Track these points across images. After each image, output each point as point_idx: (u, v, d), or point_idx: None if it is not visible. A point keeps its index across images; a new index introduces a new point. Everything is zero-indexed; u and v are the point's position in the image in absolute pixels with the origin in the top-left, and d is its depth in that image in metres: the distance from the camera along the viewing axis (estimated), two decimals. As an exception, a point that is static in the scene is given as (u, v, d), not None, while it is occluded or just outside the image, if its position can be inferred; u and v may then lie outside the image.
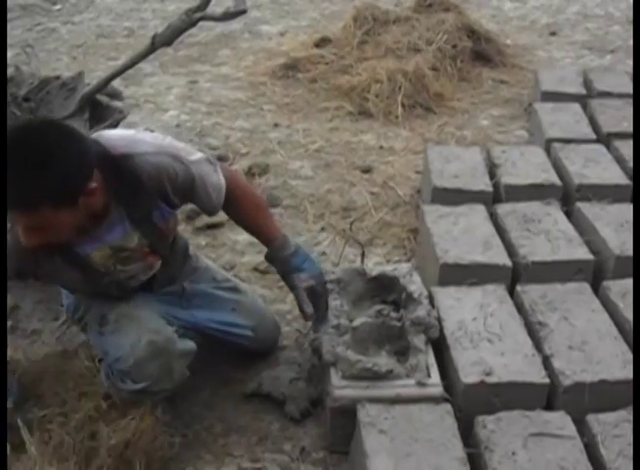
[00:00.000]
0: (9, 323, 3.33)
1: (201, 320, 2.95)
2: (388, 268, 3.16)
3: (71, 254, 2.54)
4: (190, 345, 2.74)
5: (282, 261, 2.86)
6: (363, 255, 3.25)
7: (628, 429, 2.49)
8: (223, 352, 3.04)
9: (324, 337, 2.82)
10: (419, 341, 2.80)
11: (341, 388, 2.66)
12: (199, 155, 2.68)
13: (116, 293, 2.76)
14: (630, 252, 3.32)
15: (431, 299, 3.04)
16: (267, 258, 2.92)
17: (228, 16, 3.39)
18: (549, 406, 2.69)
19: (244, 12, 3.38)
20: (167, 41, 3.48)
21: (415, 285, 3.01)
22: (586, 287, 3.17)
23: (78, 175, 2.30)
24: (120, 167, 2.46)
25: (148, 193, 2.55)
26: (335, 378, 2.69)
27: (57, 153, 2.23)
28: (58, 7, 7.89)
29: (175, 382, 2.70)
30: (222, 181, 2.73)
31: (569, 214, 3.67)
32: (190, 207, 4.12)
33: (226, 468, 2.70)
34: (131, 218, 2.58)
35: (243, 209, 2.88)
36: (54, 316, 3.42)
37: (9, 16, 7.31)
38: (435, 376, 2.70)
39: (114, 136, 2.57)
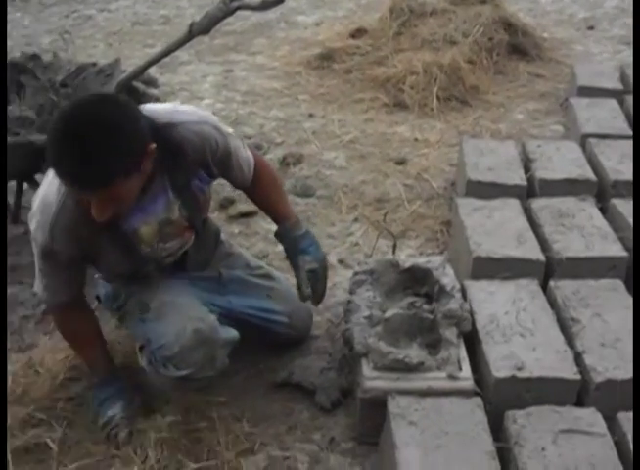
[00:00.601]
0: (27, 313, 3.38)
1: (237, 307, 2.97)
2: (421, 261, 3.16)
3: (118, 231, 2.58)
4: (233, 333, 2.75)
5: (291, 240, 2.95)
6: (395, 246, 3.25)
7: (660, 427, 2.48)
8: (255, 340, 3.05)
9: (356, 328, 2.82)
10: (451, 334, 2.79)
11: (372, 379, 2.66)
12: (230, 129, 2.78)
13: (154, 273, 2.79)
14: (666, 249, 3.30)
15: (463, 292, 3.03)
16: (277, 234, 3.02)
17: (266, 5, 3.38)
18: (580, 403, 2.68)
19: (281, 1, 3.37)
20: (205, 30, 3.48)
21: (448, 278, 3.01)
22: (619, 284, 3.14)
23: (142, 139, 2.33)
24: (165, 136, 2.50)
25: (190, 161, 2.62)
26: (366, 369, 2.69)
27: (120, 123, 2.26)
28: (94, -7, 7.94)
29: (217, 370, 2.71)
30: (251, 156, 2.87)
31: (603, 211, 3.65)
32: (223, 195, 4.16)
33: (255, 456, 2.70)
34: (174, 187, 2.63)
35: (264, 185, 2.97)
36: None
37: (46, 1, 7.37)
38: (467, 369, 2.69)
39: (156, 107, 2.64)
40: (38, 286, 2.69)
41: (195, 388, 2.77)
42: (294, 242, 2.94)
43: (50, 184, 2.48)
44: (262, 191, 2.99)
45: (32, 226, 2.54)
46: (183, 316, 2.66)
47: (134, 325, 2.81)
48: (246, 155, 2.84)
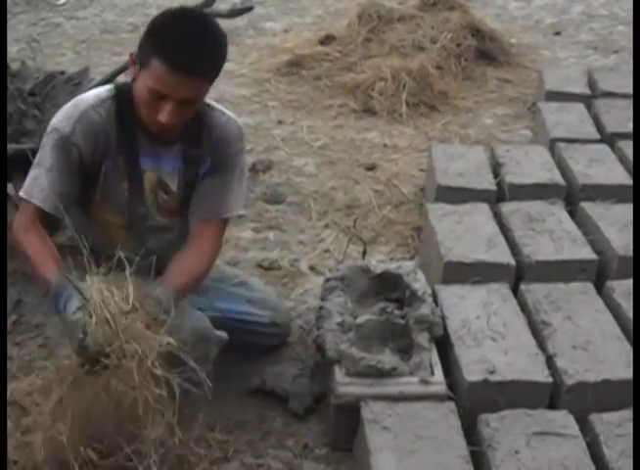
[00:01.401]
0: (12, 317, 3.34)
1: (218, 311, 2.93)
2: (393, 266, 3.16)
3: (136, 160, 2.64)
4: (223, 334, 2.73)
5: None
6: (365, 252, 3.26)
7: (631, 428, 2.49)
8: (227, 347, 3.04)
9: (328, 334, 2.82)
10: (423, 339, 2.80)
11: (344, 385, 2.66)
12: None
13: (143, 236, 2.75)
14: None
15: (434, 297, 3.04)
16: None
17: (235, 12, 3.40)
18: (552, 405, 2.69)
19: (250, 9, 3.40)
20: (174, 37, 3.48)
21: (419, 283, 3.02)
22: (590, 287, 3.17)
23: (224, 60, 2.54)
24: (202, 110, 2.64)
25: (209, 145, 2.70)
26: (339, 375, 2.69)
27: (219, 32, 2.48)
28: (62, 2, 7.88)
29: (208, 369, 2.69)
30: (234, 213, 2.87)
31: (572, 214, 3.68)
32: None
33: (229, 464, 2.69)
34: (184, 158, 2.70)
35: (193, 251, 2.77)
36: (58, 311, 3.41)
37: (13, 10, 7.32)
38: (439, 374, 2.70)
39: None
40: (28, 182, 2.61)
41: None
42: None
43: (90, 93, 2.64)
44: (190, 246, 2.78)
45: (57, 117, 2.57)
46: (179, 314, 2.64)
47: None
48: (237, 199, 2.80)
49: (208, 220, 2.78)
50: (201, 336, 2.61)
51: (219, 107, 2.78)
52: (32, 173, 2.61)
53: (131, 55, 2.55)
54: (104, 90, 2.64)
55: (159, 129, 2.54)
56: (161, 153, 2.68)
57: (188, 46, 2.38)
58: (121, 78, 3.96)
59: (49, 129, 2.58)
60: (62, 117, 2.56)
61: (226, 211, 2.81)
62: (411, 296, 2.97)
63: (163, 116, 2.44)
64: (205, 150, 2.72)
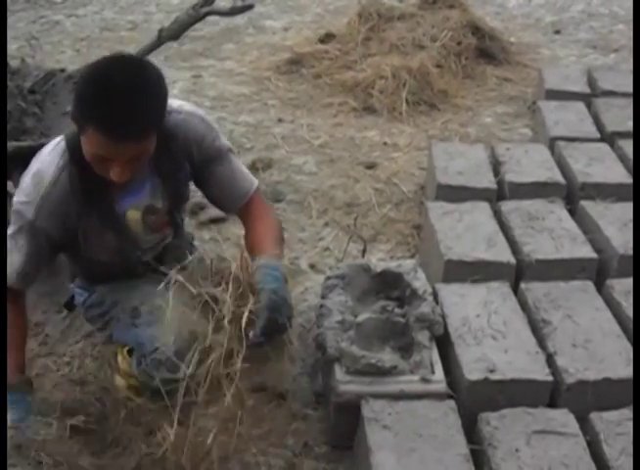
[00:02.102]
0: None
1: None
2: (393, 265, 3.16)
3: (111, 211, 2.62)
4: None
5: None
6: (365, 250, 3.26)
7: (631, 427, 2.50)
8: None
9: (328, 332, 2.82)
10: (423, 337, 2.80)
11: (345, 383, 2.66)
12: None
13: (136, 268, 2.79)
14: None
15: (435, 295, 3.05)
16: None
17: (235, 11, 3.40)
18: (552, 404, 2.70)
19: (251, 7, 3.39)
20: (174, 35, 3.49)
21: (419, 281, 3.02)
22: (590, 285, 3.17)
23: (166, 97, 2.44)
24: None
25: (178, 149, 2.65)
26: (339, 373, 2.69)
27: (149, 76, 2.36)
28: (61, -1, 7.89)
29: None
30: (254, 179, 2.84)
31: (572, 213, 3.67)
32: (193, 201, 4.14)
33: (229, 462, 2.69)
34: (159, 172, 2.66)
35: (255, 216, 2.84)
36: (57, 309, 3.41)
37: (13, 7, 7.32)
38: (439, 372, 2.70)
39: None
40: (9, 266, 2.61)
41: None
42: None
43: (45, 160, 2.54)
44: (252, 222, 2.83)
45: (20, 198, 2.55)
46: (179, 320, 2.63)
47: (122, 330, 2.78)
48: (245, 171, 2.82)
49: (245, 204, 2.83)
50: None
51: (172, 105, 2.62)
52: (9, 244, 2.60)
53: (69, 113, 2.45)
54: (57, 153, 2.54)
55: (106, 177, 2.47)
56: (135, 185, 2.63)
57: (120, 114, 2.26)
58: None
59: (14, 207, 2.56)
60: (25, 200, 2.53)
61: (250, 186, 2.84)
62: (411, 294, 2.97)
63: (115, 175, 2.40)
64: (177, 155, 2.67)
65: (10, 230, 2.60)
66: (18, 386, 2.56)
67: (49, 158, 2.54)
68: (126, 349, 2.80)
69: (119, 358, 2.87)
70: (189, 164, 2.73)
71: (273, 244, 2.69)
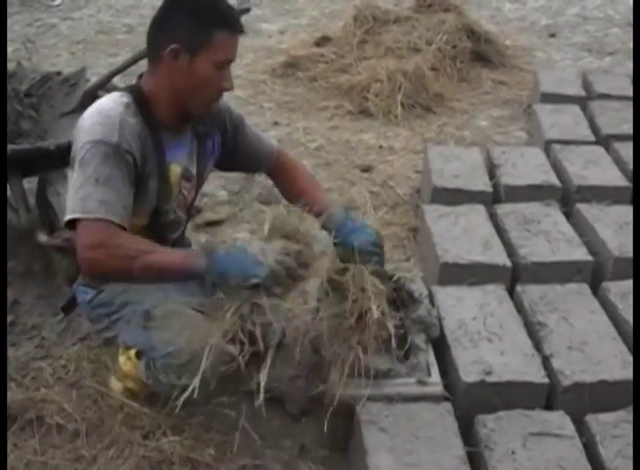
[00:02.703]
0: (8, 318, 3.33)
1: None
2: (389, 267, 3.16)
3: (162, 157, 2.66)
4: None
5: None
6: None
7: (627, 429, 2.51)
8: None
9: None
10: (419, 340, 2.80)
11: (340, 386, 2.65)
12: None
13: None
14: (629, 253, 3.34)
15: (431, 298, 3.05)
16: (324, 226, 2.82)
17: (232, 14, 3.39)
18: (548, 406, 2.70)
19: (248, 10, 3.39)
20: (170, 38, 3.48)
21: (416, 284, 3.02)
22: (585, 288, 3.18)
23: None
24: None
25: (214, 117, 2.84)
26: (334, 376, 2.69)
27: None
28: (57, 2, 7.88)
29: (214, 381, 2.70)
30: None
31: (568, 216, 3.69)
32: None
33: (226, 465, 2.69)
34: (197, 136, 2.80)
35: (290, 169, 3.06)
36: (54, 311, 3.41)
37: (8, 10, 7.31)
38: (436, 375, 2.70)
39: None
40: (85, 202, 2.46)
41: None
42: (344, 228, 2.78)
43: (104, 103, 2.59)
44: (291, 172, 3.05)
45: (92, 131, 2.49)
46: (192, 326, 2.62)
47: (133, 332, 2.74)
48: (264, 135, 2.95)
49: (277, 158, 3.04)
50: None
51: None
52: (82, 191, 2.46)
53: (171, 51, 2.53)
54: (118, 96, 2.61)
55: (204, 110, 2.69)
56: (179, 140, 2.73)
57: (230, 9, 2.58)
58: (117, 80, 3.97)
59: (88, 145, 2.48)
60: (100, 129, 2.49)
61: (274, 144, 3.14)
62: (408, 297, 2.96)
63: (229, 82, 2.62)
64: (208, 125, 2.82)
65: (79, 176, 2.49)
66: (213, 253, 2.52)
67: (111, 98, 2.60)
68: (134, 351, 2.79)
69: (122, 360, 2.86)
70: (220, 134, 2.87)
71: (322, 191, 3.08)
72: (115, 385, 2.93)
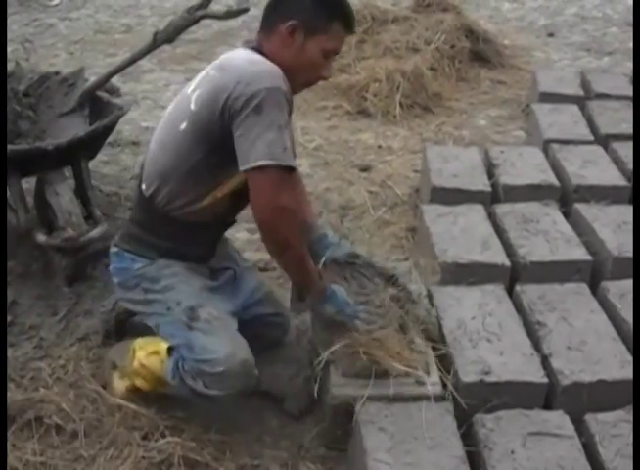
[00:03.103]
0: (7, 318, 3.33)
1: (248, 317, 2.96)
2: (388, 267, 3.16)
3: None
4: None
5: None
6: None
7: (626, 429, 2.51)
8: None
9: (321, 334, 2.82)
10: (418, 339, 2.80)
11: (340, 386, 2.66)
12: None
13: (215, 243, 2.91)
14: (628, 253, 3.34)
15: (430, 298, 3.05)
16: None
17: (230, 14, 3.38)
18: (548, 406, 2.70)
19: (246, 10, 3.37)
20: (169, 38, 3.47)
21: (415, 284, 3.02)
22: (584, 287, 3.18)
23: None
24: None
25: None
26: (334, 376, 2.69)
27: None
28: (55, 2, 7.87)
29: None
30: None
31: (567, 215, 3.69)
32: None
33: (225, 465, 2.69)
34: None
35: None
36: (52, 312, 3.41)
37: (7, 11, 7.30)
38: (435, 375, 2.70)
39: None
40: (276, 149, 2.45)
41: (205, 405, 2.76)
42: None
43: (253, 56, 2.61)
44: None
45: (264, 80, 2.46)
46: (233, 341, 2.66)
47: (173, 324, 2.72)
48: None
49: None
50: (246, 372, 2.68)
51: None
52: (266, 137, 2.43)
53: (290, 26, 2.58)
54: (249, 51, 2.66)
55: (298, 90, 2.72)
56: None
57: (351, 9, 2.67)
58: (115, 80, 3.96)
59: (265, 92, 2.43)
60: (269, 76, 2.48)
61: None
62: (407, 297, 2.96)
63: (328, 71, 2.72)
64: None
65: (259, 121, 2.44)
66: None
67: (253, 54, 2.62)
68: (165, 346, 2.77)
69: (141, 354, 2.83)
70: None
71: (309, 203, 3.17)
72: (119, 384, 2.92)
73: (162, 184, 2.67)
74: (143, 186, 2.74)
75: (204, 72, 2.67)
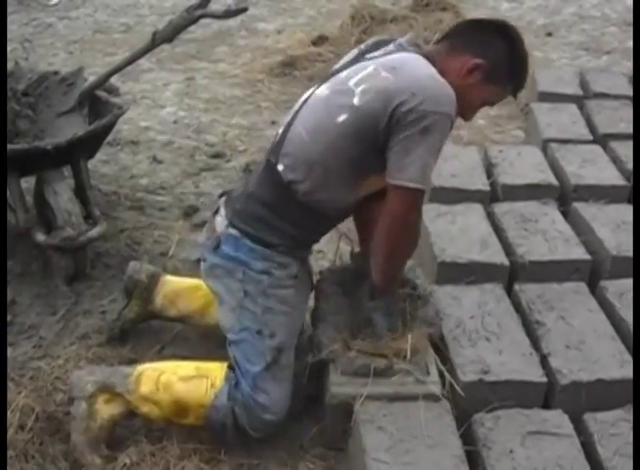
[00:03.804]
0: (7, 318, 3.33)
1: None
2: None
3: None
4: None
5: None
6: (352, 251, 3.25)
7: (625, 428, 2.52)
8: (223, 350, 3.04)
9: (322, 334, 2.82)
10: (419, 338, 2.79)
11: (339, 385, 2.66)
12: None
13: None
14: (627, 252, 3.34)
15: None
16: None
17: (229, 13, 3.38)
18: (546, 405, 2.71)
19: (245, 10, 3.37)
20: (168, 38, 3.47)
21: (420, 280, 3.02)
22: (583, 287, 3.19)
23: None
24: None
25: None
26: (333, 375, 2.69)
27: None
28: (54, 2, 7.87)
29: None
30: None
31: (565, 215, 3.69)
32: (187, 203, 4.16)
33: (224, 465, 2.69)
34: None
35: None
36: (51, 311, 3.41)
37: (6, 10, 7.31)
38: (434, 373, 2.70)
39: None
40: (425, 175, 2.53)
41: (232, 440, 2.74)
42: None
43: (434, 73, 2.55)
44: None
45: (441, 105, 2.46)
46: (289, 395, 2.72)
47: (253, 347, 2.68)
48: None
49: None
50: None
51: None
52: (424, 160, 2.49)
53: (477, 65, 2.59)
54: (421, 59, 2.59)
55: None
56: None
57: (526, 81, 2.75)
58: (114, 80, 3.96)
59: (437, 116, 2.45)
60: (445, 102, 2.48)
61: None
62: (413, 293, 2.95)
63: (472, 117, 2.81)
64: None
65: (424, 143, 2.47)
66: None
67: (432, 70, 2.56)
68: (207, 367, 2.74)
69: (171, 378, 2.69)
70: None
71: None
72: (104, 409, 2.70)
73: (308, 174, 2.61)
74: (280, 167, 2.65)
75: (370, 69, 2.57)
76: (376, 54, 2.67)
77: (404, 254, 2.70)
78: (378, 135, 2.51)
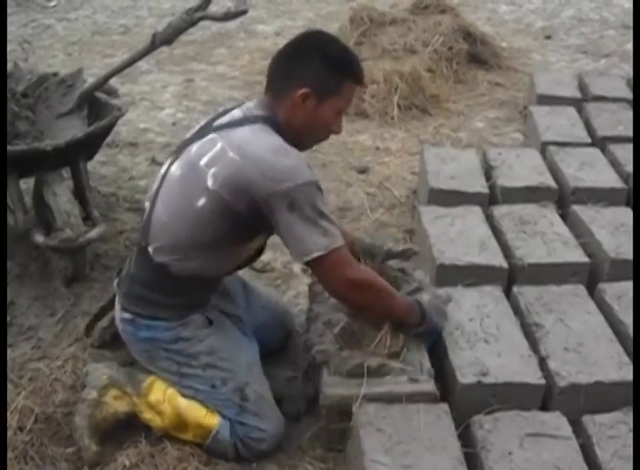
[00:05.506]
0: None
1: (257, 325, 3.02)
2: (391, 262, 3.15)
3: None
4: None
5: None
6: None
7: (623, 430, 2.52)
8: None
9: (315, 335, 2.82)
10: (412, 337, 2.79)
11: (332, 386, 2.65)
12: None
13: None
14: (625, 255, 3.35)
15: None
16: None
17: (229, 16, 3.38)
18: (545, 407, 2.71)
19: (245, 12, 3.37)
20: (168, 40, 3.47)
21: (416, 271, 3.04)
22: (582, 289, 3.19)
23: None
24: None
25: None
26: (326, 376, 2.69)
27: None
28: (53, 3, 7.87)
29: None
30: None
31: (564, 217, 3.70)
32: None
33: (222, 467, 2.70)
34: None
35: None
36: (50, 312, 3.42)
37: (4, 11, 7.31)
38: (427, 371, 2.69)
39: None
40: (322, 238, 2.49)
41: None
42: None
43: (273, 139, 2.55)
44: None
45: (296, 176, 2.46)
46: (278, 419, 2.75)
47: (218, 400, 2.71)
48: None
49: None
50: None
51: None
52: (307, 232, 2.47)
53: (302, 95, 2.57)
54: (265, 129, 2.57)
55: (309, 147, 2.78)
56: None
57: (358, 60, 2.69)
58: (113, 82, 3.96)
59: (294, 192, 2.44)
60: (294, 173, 2.45)
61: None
62: (416, 287, 2.95)
63: (340, 127, 2.71)
64: None
65: (307, 214, 2.46)
66: None
67: (271, 137, 2.55)
68: (213, 409, 2.73)
69: (182, 403, 2.74)
70: None
71: None
72: (113, 403, 2.75)
73: (179, 255, 2.62)
74: (150, 249, 2.65)
75: (218, 147, 2.55)
76: (223, 121, 2.66)
77: (372, 303, 2.67)
78: (242, 213, 2.52)
